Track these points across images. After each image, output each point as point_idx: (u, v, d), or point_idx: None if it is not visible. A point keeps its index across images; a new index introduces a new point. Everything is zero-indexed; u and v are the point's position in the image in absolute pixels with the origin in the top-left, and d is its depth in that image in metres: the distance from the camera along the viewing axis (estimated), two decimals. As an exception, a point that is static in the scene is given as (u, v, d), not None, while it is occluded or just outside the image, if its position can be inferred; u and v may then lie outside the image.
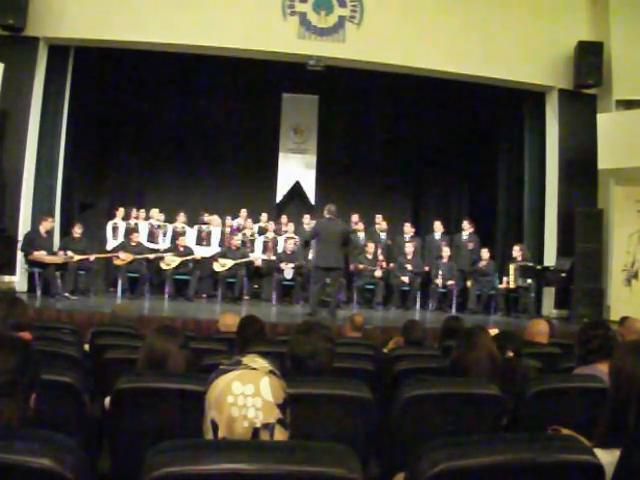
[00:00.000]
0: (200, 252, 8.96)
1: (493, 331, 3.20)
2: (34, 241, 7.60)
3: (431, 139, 11.16)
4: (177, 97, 10.63)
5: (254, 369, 1.22)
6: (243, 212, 9.80)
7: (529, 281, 8.45)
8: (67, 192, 8.89)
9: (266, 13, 8.24)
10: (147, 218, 9.31)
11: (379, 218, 9.85)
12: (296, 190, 10.84)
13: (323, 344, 2.13)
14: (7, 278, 7.64)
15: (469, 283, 8.92)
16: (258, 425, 1.17)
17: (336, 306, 7.37)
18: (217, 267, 8.72)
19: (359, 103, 10.89)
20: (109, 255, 8.58)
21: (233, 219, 9.79)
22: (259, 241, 9.45)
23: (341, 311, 7.99)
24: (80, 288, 8.07)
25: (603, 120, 8.22)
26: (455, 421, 2.04)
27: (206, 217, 9.40)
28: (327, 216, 7.15)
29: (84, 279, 8.18)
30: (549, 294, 8.85)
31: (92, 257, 8.13)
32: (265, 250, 9.33)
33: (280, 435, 1.19)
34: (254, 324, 3.46)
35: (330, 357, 2.16)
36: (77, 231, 8.19)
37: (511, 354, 2.78)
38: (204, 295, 8.98)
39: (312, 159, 10.88)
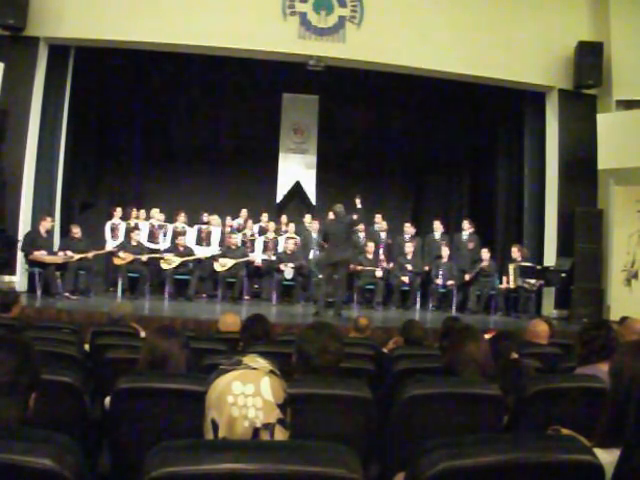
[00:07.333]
0: (200, 252, 8.96)
1: (489, 335, 3.14)
2: (34, 241, 7.60)
3: (431, 139, 11.15)
4: (177, 97, 10.64)
5: (254, 369, 1.22)
6: (243, 212, 9.79)
7: (534, 282, 8.43)
8: (67, 192, 8.89)
9: (266, 13, 8.24)
10: (147, 218, 9.30)
11: (379, 218, 9.84)
12: (296, 190, 10.83)
13: (333, 343, 2.13)
14: (7, 278, 7.65)
15: (469, 283, 8.91)
16: (258, 425, 1.17)
17: (341, 306, 7.38)
18: (217, 267, 8.71)
19: (359, 103, 10.89)
20: (108, 251, 8.57)
21: (233, 219, 9.78)
22: (259, 241, 9.44)
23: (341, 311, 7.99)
24: (80, 288, 8.06)
25: (603, 120, 8.22)
26: (455, 421, 2.04)
27: (206, 217, 9.39)
28: (333, 217, 7.24)
29: (84, 279, 8.17)
30: (549, 294, 8.85)
31: (91, 254, 8.10)
32: (265, 250, 9.32)
33: (280, 435, 1.19)
34: (261, 323, 3.45)
35: (339, 357, 2.16)
36: (75, 231, 8.17)
37: (515, 355, 2.76)
38: (204, 295, 8.98)
39: (312, 159, 10.87)
